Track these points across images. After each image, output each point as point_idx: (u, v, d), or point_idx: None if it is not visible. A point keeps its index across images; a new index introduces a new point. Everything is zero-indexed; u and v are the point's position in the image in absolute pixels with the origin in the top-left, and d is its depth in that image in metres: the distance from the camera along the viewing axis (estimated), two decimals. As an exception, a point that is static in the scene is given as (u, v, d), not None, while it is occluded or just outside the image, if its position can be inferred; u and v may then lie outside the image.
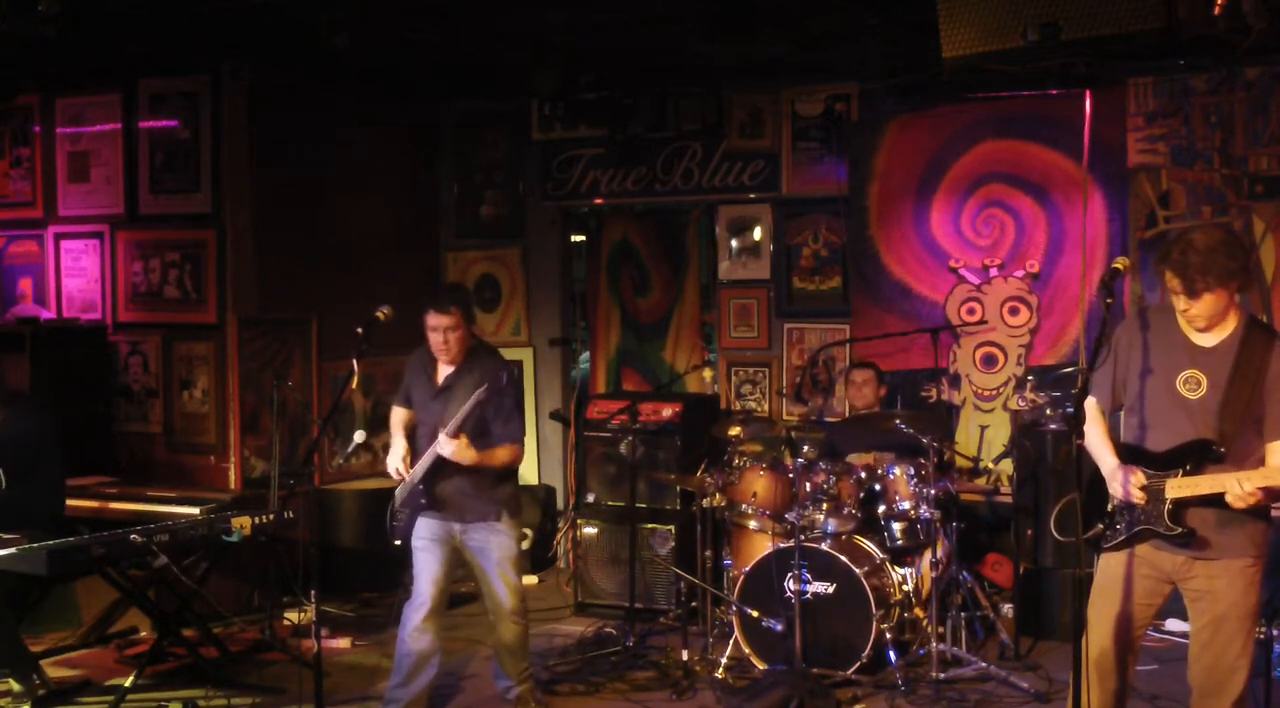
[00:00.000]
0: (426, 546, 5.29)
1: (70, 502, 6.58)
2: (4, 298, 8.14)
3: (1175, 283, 3.94)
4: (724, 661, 6.04)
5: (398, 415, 5.53)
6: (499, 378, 5.08)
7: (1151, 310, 4.21)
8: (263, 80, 7.38)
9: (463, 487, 5.24)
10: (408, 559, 5.39)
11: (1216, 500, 3.91)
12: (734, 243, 8.35)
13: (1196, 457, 3.96)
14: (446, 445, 5.04)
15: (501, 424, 5.25)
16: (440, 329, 5.20)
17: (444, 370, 5.34)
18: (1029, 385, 7.33)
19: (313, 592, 4.69)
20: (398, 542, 5.37)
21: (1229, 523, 3.96)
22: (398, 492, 5.36)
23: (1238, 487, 3.83)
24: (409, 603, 5.31)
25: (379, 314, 5.09)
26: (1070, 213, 7.27)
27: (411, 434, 5.44)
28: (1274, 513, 4.13)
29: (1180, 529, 3.96)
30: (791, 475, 6.11)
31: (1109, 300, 3.93)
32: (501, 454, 5.25)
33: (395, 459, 5.32)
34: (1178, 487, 3.96)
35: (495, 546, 5.31)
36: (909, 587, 6.19)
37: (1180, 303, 3.97)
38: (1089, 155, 7.13)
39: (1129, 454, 4.13)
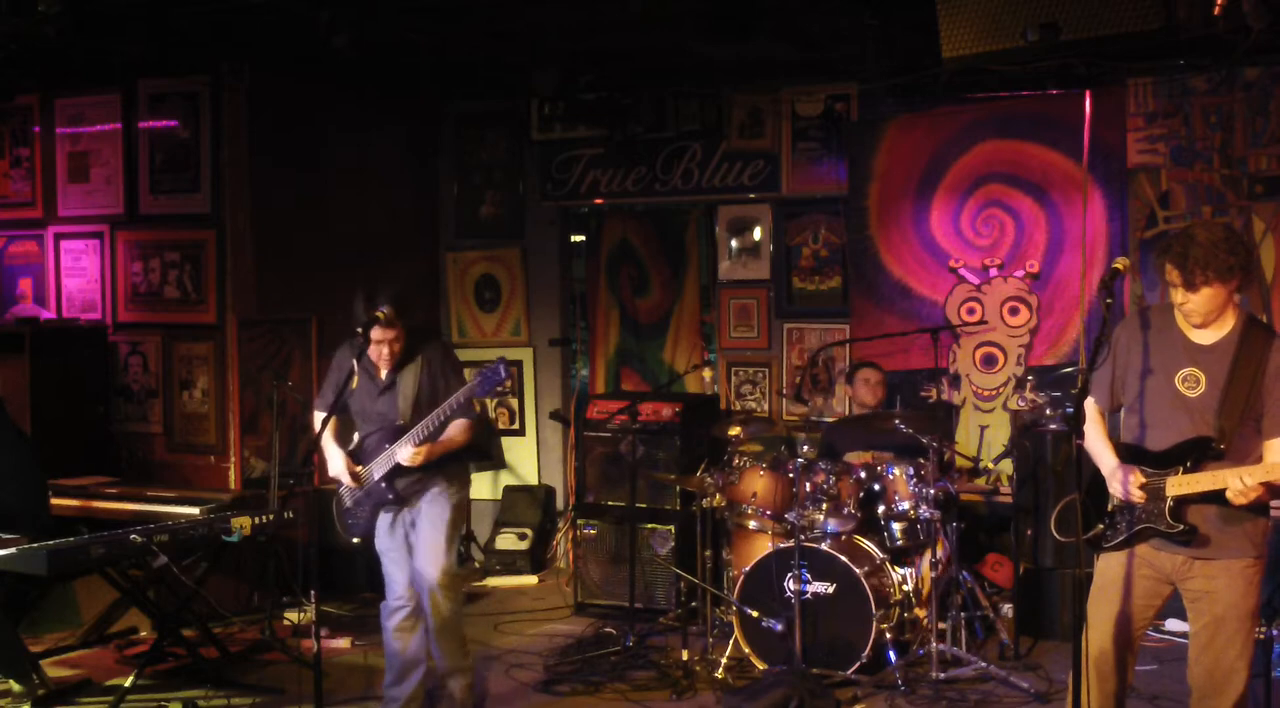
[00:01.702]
0: (389, 548, 5.29)
1: (70, 502, 6.61)
2: (4, 298, 8.14)
3: (1175, 275, 3.94)
4: (724, 661, 6.04)
5: (320, 419, 5.38)
6: (494, 371, 4.92)
7: (1151, 310, 4.22)
8: (262, 80, 7.38)
9: (416, 474, 5.21)
10: (366, 562, 5.37)
11: (1217, 497, 3.91)
12: (734, 243, 8.35)
13: (1196, 454, 3.96)
14: (409, 457, 5.03)
15: (454, 407, 5.13)
16: (385, 342, 5.13)
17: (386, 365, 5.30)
18: (1029, 385, 7.33)
19: (313, 592, 4.70)
20: (356, 540, 5.35)
21: (1229, 521, 3.97)
22: (344, 491, 5.32)
23: (1239, 482, 3.84)
24: (385, 605, 5.32)
25: (379, 314, 5.08)
26: (1070, 213, 7.26)
27: (340, 437, 5.38)
28: (1274, 512, 4.14)
29: (1181, 526, 3.96)
30: (791, 475, 6.11)
31: (1109, 300, 3.94)
32: (458, 435, 5.21)
33: (339, 466, 5.25)
34: (1178, 484, 3.96)
35: (428, 509, 5.25)
36: (909, 587, 6.19)
37: (1178, 296, 3.97)
38: (1089, 155, 7.13)
39: (1129, 453, 4.13)
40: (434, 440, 5.12)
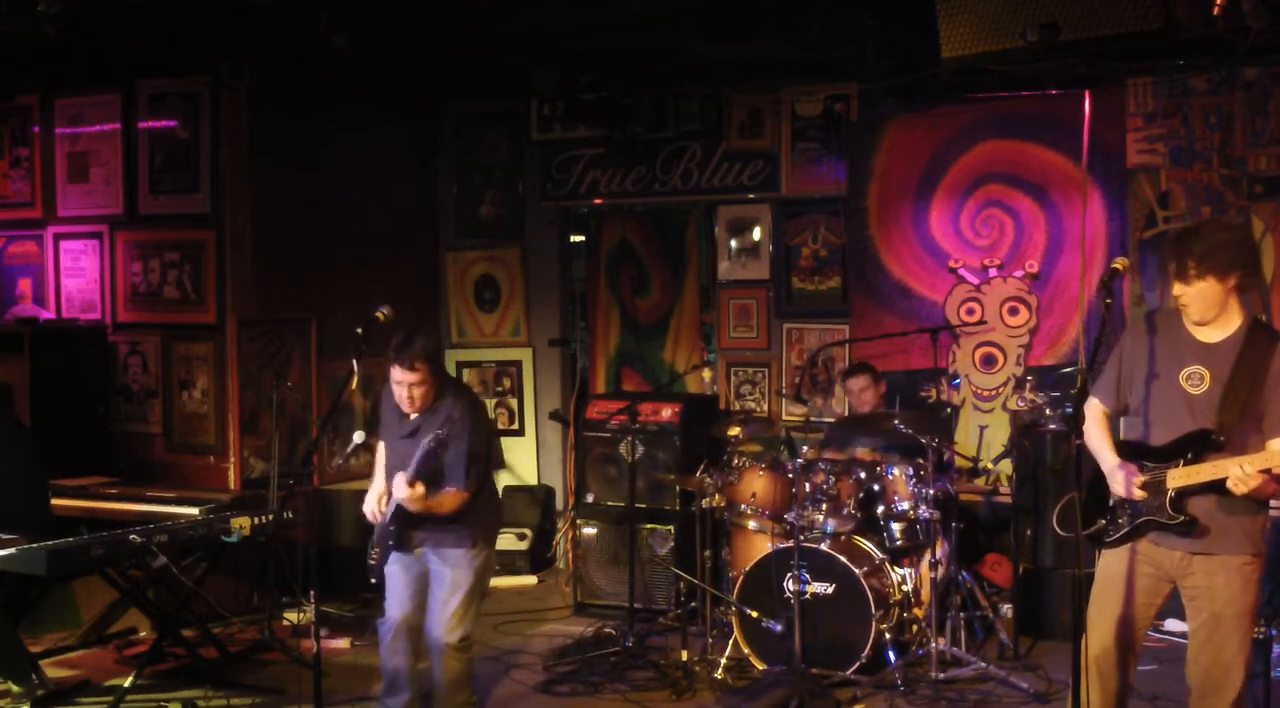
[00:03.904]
0: (394, 571, 5.21)
1: (70, 502, 6.60)
2: (3, 298, 8.13)
3: (1171, 266, 4.02)
4: (723, 661, 6.04)
5: (384, 451, 5.34)
6: (444, 431, 4.84)
7: (1158, 314, 4.28)
8: (262, 80, 7.38)
9: (430, 524, 5.08)
10: (365, 563, 5.31)
11: (1218, 489, 3.95)
12: (733, 243, 8.35)
13: (1197, 447, 4.00)
14: (401, 490, 4.91)
15: (450, 469, 5.04)
16: (405, 384, 4.98)
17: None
18: (1028, 386, 7.33)
19: (312, 592, 4.69)
20: (373, 580, 5.25)
21: (1229, 514, 4.00)
22: (377, 529, 5.22)
23: (1239, 470, 3.87)
24: (381, 621, 5.28)
25: (378, 314, 5.06)
26: (1069, 213, 7.26)
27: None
28: (1274, 512, 4.16)
29: (1182, 517, 4.00)
30: (791, 476, 6.11)
31: (1108, 301, 4.00)
32: (447, 502, 5.01)
33: (371, 500, 5.19)
34: (1179, 476, 4.00)
35: (451, 572, 5.11)
36: (908, 587, 6.20)
37: (1175, 289, 4.04)
38: (1088, 155, 7.13)
39: (1131, 450, 4.17)
40: (425, 479, 4.98)
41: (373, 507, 5.20)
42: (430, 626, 5.17)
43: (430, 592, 5.19)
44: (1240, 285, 4.01)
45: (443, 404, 5.09)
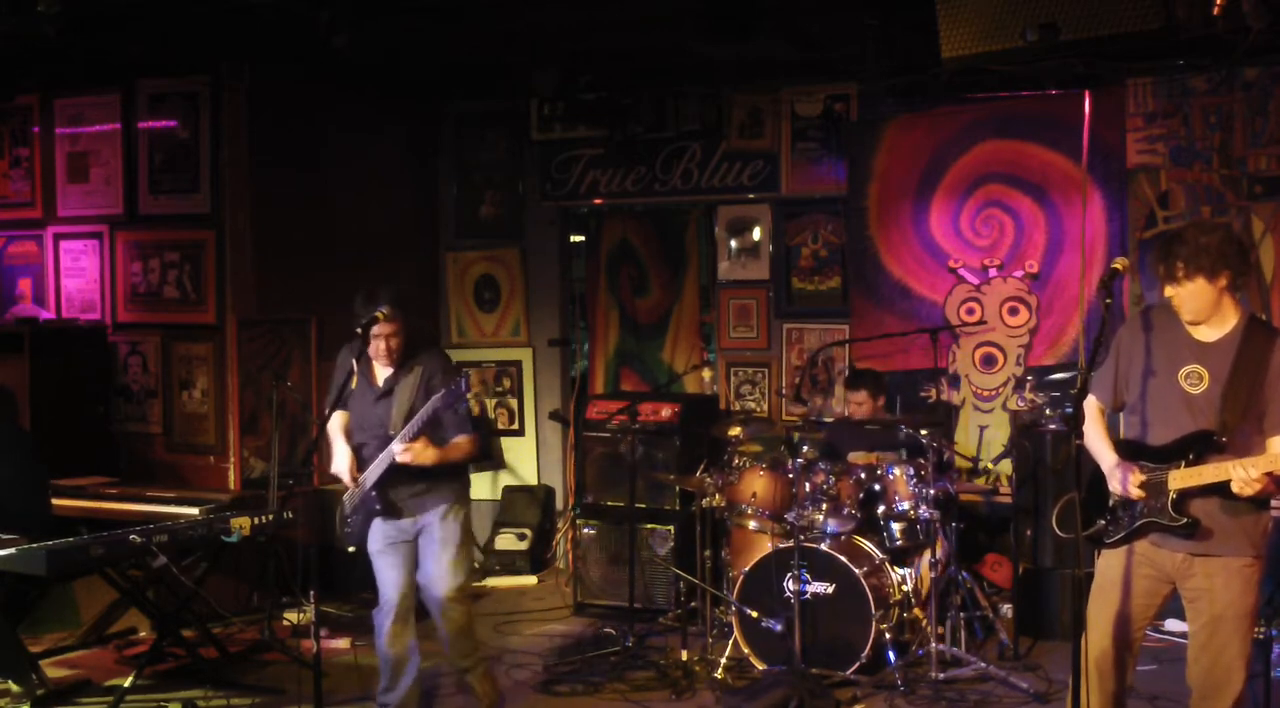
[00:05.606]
0: (384, 550, 5.23)
1: (70, 502, 6.61)
2: (3, 298, 8.13)
3: (1160, 269, 4.03)
4: (723, 661, 6.04)
5: (337, 420, 5.36)
6: (458, 385, 4.90)
7: (1155, 310, 4.25)
8: (262, 80, 7.38)
9: (416, 487, 5.16)
10: (365, 563, 5.34)
11: (1220, 491, 3.94)
12: (733, 243, 8.34)
13: (1199, 448, 3.99)
14: (404, 454, 4.96)
15: (453, 417, 5.14)
16: (384, 336, 5.10)
17: (383, 371, 5.24)
18: (1028, 386, 7.33)
19: (312, 592, 4.70)
20: (351, 549, 5.31)
21: (1231, 515, 3.99)
22: (346, 498, 5.27)
23: (1242, 472, 3.86)
24: (377, 610, 5.28)
25: (378, 314, 5.07)
26: (1069, 213, 7.26)
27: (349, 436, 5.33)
28: (1275, 512, 4.15)
29: (1185, 520, 3.99)
30: (791, 476, 6.11)
31: (1108, 300, 4.00)
32: (463, 445, 5.17)
33: (343, 465, 5.21)
34: (1181, 477, 3.99)
35: (439, 527, 5.20)
36: (908, 587, 6.20)
37: (1167, 290, 4.05)
38: (1088, 155, 7.12)
39: (1131, 450, 4.16)
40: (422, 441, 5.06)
41: (346, 473, 5.19)
42: (429, 586, 5.22)
43: (422, 556, 5.24)
44: (1232, 285, 4.01)
45: (415, 362, 5.19)
